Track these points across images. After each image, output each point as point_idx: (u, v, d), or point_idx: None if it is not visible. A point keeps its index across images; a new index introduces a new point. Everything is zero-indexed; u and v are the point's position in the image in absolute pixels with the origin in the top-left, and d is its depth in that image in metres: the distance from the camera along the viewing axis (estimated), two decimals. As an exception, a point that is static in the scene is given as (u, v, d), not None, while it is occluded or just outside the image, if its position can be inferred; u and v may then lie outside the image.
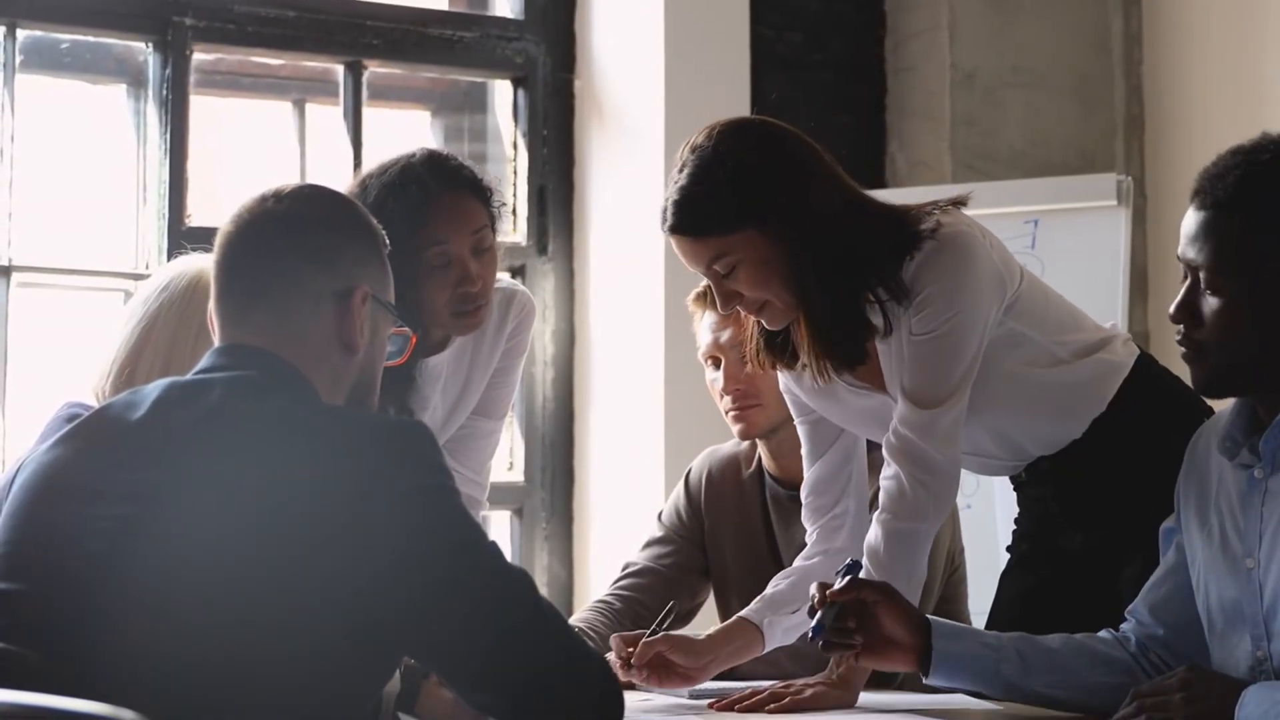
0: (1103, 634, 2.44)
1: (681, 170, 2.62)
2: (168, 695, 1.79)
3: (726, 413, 3.11)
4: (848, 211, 2.64)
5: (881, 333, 2.65)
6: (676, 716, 2.57)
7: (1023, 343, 2.73)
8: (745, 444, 3.22)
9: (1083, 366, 2.77)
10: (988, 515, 3.98)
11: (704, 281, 3.11)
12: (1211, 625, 2.31)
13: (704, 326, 3.12)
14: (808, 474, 2.89)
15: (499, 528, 4.70)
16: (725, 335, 3.07)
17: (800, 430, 2.89)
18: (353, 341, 2.06)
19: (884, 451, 2.67)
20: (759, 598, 2.87)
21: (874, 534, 2.65)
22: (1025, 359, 2.73)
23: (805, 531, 2.93)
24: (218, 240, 2.09)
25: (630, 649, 2.74)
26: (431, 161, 2.93)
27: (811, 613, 2.38)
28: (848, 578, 2.38)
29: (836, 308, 2.63)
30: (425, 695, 2.39)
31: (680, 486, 3.29)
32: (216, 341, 2.06)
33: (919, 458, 2.62)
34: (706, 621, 3.23)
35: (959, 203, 2.70)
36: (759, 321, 2.73)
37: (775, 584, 2.88)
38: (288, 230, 2.06)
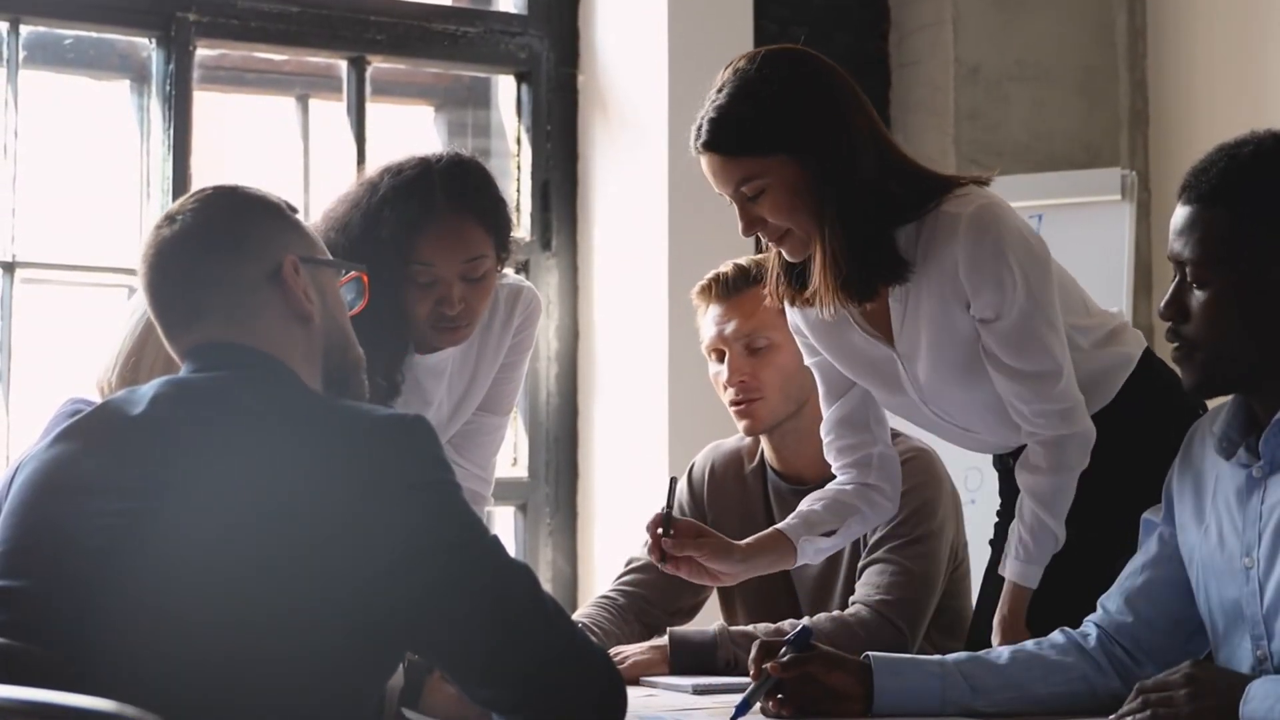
0: (1056, 635, 2.43)
1: (720, 90, 2.60)
2: (167, 693, 1.79)
3: (730, 406, 3.10)
4: (879, 155, 2.63)
5: (895, 278, 2.63)
6: (680, 712, 2.57)
7: None
8: (749, 438, 3.22)
9: (1100, 357, 2.76)
10: (993, 511, 3.97)
11: (708, 275, 3.11)
12: (1213, 625, 2.30)
13: (708, 319, 3.11)
14: (826, 414, 2.87)
15: (503, 523, 4.70)
16: (730, 327, 3.06)
17: (815, 373, 2.87)
18: (303, 311, 2.06)
19: (1025, 439, 2.67)
20: (795, 513, 2.83)
21: (1036, 485, 2.65)
22: None
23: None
24: (140, 284, 2.09)
25: (658, 530, 2.70)
26: (448, 174, 2.84)
27: (754, 674, 2.35)
28: (792, 648, 2.36)
29: (856, 239, 2.59)
30: (428, 690, 2.38)
31: (683, 481, 3.28)
32: (178, 358, 2.05)
33: (1064, 417, 2.63)
34: (708, 618, 3.22)
35: (981, 181, 2.68)
36: (780, 254, 2.69)
37: (810, 504, 2.86)
38: (190, 242, 2.05)
